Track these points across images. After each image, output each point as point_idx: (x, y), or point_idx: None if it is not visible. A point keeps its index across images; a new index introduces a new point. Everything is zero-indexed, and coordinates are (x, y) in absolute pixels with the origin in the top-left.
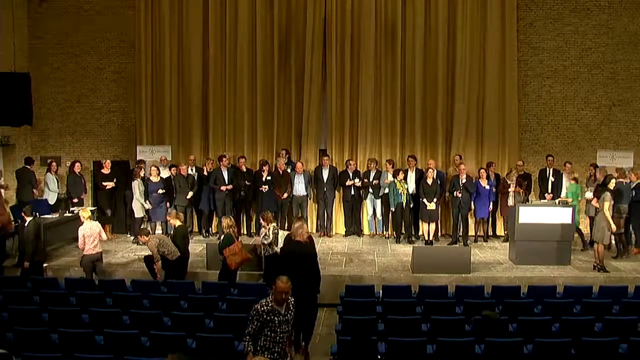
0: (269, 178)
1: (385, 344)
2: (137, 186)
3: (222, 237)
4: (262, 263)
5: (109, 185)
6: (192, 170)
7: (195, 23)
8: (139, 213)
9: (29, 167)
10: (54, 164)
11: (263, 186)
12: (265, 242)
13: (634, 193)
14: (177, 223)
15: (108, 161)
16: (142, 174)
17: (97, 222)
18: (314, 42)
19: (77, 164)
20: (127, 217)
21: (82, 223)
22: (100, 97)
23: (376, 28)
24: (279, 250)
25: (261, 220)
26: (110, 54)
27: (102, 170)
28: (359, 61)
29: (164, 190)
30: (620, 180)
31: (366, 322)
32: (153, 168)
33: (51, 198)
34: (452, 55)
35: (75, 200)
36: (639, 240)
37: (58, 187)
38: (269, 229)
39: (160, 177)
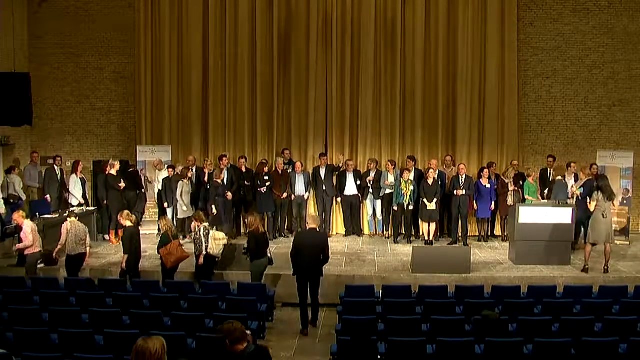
0: (266, 178)
1: (385, 344)
2: (183, 186)
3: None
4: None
5: (122, 185)
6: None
7: (195, 23)
8: (182, 214)
9: (55, 166)
10: (80, 165)
11: (263, 187)
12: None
13: (582, 190)
14: (128, 223)
15: (117, 162)
16: (190, 175)
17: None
18: (314, 41)
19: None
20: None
21: (21, 224)
22: (100, 97)
23: (376, 28)
24: (209, 250)
25: (193, 221)
26: (110, 54)
27: (112, 172)
28: (359, 61)
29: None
30: (559, 177)
31: (366, 322)
32: (217, 172)
33: (74, 199)
34: (452, 55)
35: (105, 202)
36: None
37: (82, 189)
38: (200, 229)
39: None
